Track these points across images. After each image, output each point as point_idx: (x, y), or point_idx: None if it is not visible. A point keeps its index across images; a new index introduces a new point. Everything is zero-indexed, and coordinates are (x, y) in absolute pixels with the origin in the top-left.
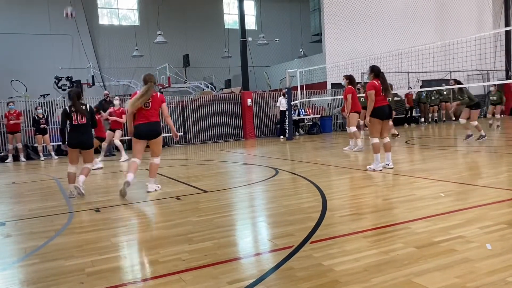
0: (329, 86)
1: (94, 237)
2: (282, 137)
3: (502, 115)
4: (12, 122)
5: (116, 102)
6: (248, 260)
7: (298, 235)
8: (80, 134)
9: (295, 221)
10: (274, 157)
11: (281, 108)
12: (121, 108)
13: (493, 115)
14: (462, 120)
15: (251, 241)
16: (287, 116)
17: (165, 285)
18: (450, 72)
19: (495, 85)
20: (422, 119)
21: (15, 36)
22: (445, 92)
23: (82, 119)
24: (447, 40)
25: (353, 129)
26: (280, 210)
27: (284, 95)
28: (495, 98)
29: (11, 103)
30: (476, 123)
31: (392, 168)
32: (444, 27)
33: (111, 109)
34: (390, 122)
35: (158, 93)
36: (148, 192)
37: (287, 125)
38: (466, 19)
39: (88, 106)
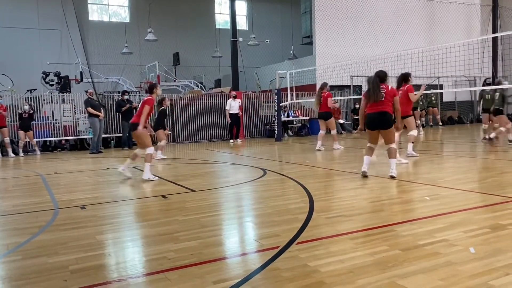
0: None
1: (79, 234)
2: (232, 141)
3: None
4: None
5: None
6: (234, 260)
7: (285, 236)
8: None
9: (282, 222)
10: (262, 158)
11: (231, 112)
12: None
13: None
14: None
15: (237, 241)
16: (239, 118)
17: (150, 283)
18: (438, 77)
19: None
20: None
21: (3, 30)
22: (433, 98)
23: None
24: (435, 45)
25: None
26: (267, 211)
27: (234, 97)
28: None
29: (0, 97)
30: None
31: (393, 177)
32: (433, 33)
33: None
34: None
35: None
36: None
37: (273, 128)
38: (455, 26)
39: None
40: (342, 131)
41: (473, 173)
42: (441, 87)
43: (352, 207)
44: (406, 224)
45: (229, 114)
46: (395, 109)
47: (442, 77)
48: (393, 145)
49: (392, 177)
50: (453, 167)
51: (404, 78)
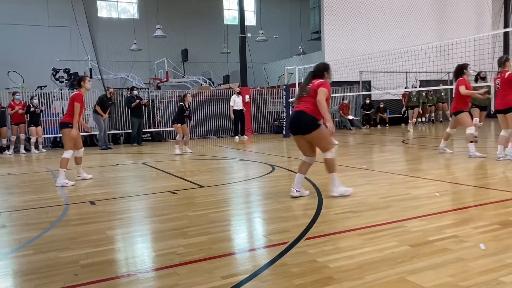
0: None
1: (89, 229)
2: (237, 137)
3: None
4: (20, 111)
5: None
6: (243, 255)
7: (293, 232)
8: None
9: (290, 218)
10: (271, 154)
11: (235, 108)
12: None
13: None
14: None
15: (246, 237)
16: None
17: (160, 278)
18: (448, 72)
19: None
20: (420, 119)
21: (13, 27)
22: (442, 93)
23: None
24: (445, 40)
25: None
26: (276, 207)
27: (238, 93)
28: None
29: (17, 94)
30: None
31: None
32: (443, 27)
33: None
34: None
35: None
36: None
37: (281, 124)
38: (465, 20)
39: None
40: (352, 127)
41: (483, 169)
42: (451, 82)
43: (360, 203)
44: (415, 220)
45: (233, 110)
46: (318, 102)
47: (452, 72)
48: (329, 154)
49: (334, 197)
50: (462, 163)
51: (460, 71)
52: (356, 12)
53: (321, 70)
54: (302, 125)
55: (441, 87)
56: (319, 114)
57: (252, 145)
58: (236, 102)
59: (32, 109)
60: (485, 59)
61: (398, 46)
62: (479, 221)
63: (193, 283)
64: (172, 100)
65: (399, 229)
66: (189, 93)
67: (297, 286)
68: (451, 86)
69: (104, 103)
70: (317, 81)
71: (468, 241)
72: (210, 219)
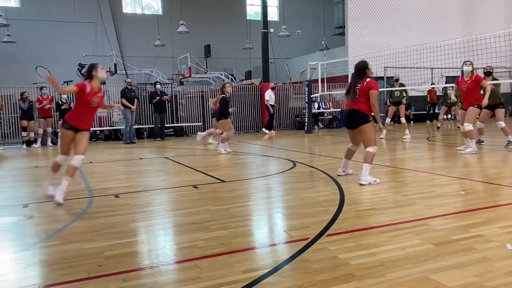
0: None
1: (113, 222)
2: (272, 132)
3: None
4: (47, 106)
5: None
6: (263, 250)
7: (314, 228)
8: None
9: (312, 214)
10: (292, 150)
11: (271, 103)
12: None
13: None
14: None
15: (266, 232)
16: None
17: (181, 271)
18: (476, 69)
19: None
20: (446, 116)
21: (41, 23)
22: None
23: None
24: (474, 35)
25: (468, 126)
26: (297, 203)
27: (272, 88)
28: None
29: (44, 88)
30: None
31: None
32: (471, 22)
33: None
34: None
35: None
36: (362, 184)
37: (303, 120)
38: (494, 14)
39: None
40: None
41: (510, 167)
42: None
43: (383, 200)
44: (440, 218)
45: (270, 105)
46: (371, 104)
47: (481, 68)
48: (371, 148)
49: (361, 185)
50: (489, 161)
51: None
52: (380, 7)
53: (363, 68)
54: (355, 120)
55: None
56: (370, 111)
57: (273, 141)
58: (271, 97)
59: (63, 105)
60: None
61: (424, 41)
62: (506, 221)
63: (214, 276)
64: (194, 96)
65: (423, 227)
66: (228, 83)
67: (318, 282)
68: None
69: (126, 94)
70: (364, 83)
71: (494, 240)
72: (231, 213)
